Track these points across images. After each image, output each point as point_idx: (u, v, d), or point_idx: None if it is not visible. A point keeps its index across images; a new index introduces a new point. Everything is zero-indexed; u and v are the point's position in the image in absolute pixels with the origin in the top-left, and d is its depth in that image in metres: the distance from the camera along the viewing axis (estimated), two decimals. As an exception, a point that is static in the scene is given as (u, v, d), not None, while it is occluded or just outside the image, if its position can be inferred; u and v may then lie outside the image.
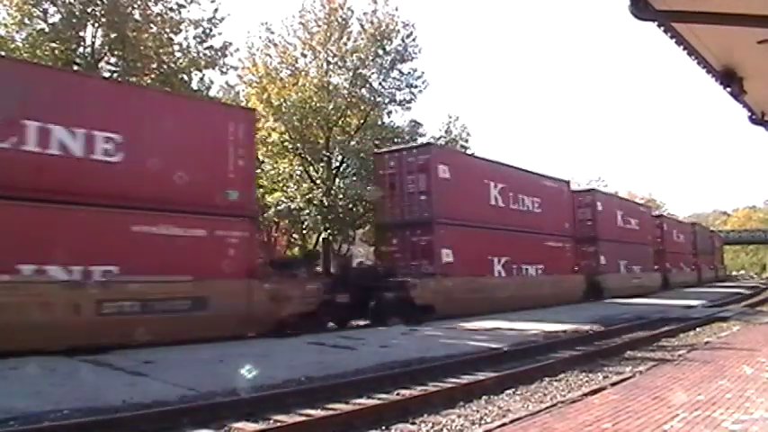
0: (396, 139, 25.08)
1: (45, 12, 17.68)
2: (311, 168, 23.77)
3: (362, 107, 25.23)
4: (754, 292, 29.88)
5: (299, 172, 23.73)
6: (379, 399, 7.05)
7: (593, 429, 4.97)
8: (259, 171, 20.64)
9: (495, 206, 20.28)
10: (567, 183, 25.92)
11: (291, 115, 22.64)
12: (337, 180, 23.44)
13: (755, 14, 4.38)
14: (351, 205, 23.06)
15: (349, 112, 24.76)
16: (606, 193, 32.84)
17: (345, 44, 24.52)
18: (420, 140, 25.09)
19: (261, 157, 21.72)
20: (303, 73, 24.28)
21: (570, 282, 23.85)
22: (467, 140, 30.33)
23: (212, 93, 21.79)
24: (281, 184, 23.44)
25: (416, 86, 26.25)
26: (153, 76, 19.11)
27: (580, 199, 26.47)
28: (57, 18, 17.84)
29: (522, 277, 21.00)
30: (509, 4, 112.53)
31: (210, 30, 20.26)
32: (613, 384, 6.98)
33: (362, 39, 24.56)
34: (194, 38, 20.18)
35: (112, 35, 18.35)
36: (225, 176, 12.47)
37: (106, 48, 18.79)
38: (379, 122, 26.17)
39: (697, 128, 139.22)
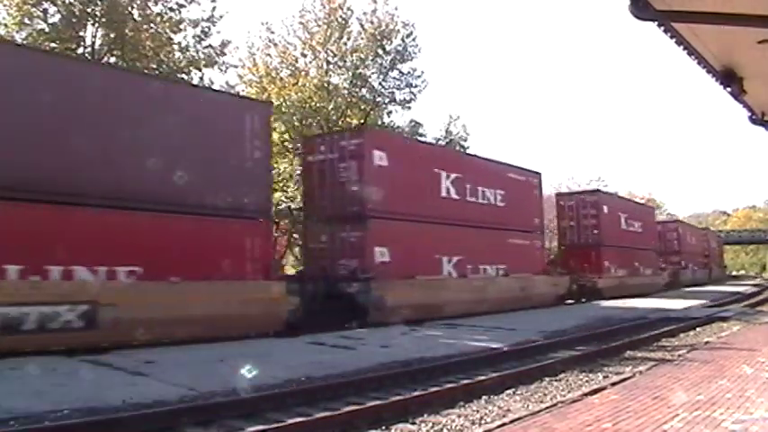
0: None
1: (45, 12, 17.71)
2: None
3: (362, 107, 25.27)
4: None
5: (299, 172, 23.75)
6: (379, 399, 7.05)
7: (594, 429, 4.98)
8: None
9: None
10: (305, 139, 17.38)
11: (291, 115, 22.67)
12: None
13: (755, 14, 4.39)
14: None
15: (349, 112, 24.79)
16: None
17: (345, 44, 24.56)
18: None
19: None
20: (303, 73, 24.32)
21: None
22: (465, 140, 30.39)
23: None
24: (280, 184, 23.47)
25: (416, 86, 26.32)
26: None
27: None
28: (57, 18, 17.87)
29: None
30: (509, 4, 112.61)
31: (209, 28, 20.31)
32: (613, 384, 6.98)
33: (362, 38, 24.60)
34: (193, 37, 20.26)
35: (112, 35, 18.39)
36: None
37: (105, 48, 18.83)
38: (380, 122, 26.19)
39: (697, 128, 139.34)
